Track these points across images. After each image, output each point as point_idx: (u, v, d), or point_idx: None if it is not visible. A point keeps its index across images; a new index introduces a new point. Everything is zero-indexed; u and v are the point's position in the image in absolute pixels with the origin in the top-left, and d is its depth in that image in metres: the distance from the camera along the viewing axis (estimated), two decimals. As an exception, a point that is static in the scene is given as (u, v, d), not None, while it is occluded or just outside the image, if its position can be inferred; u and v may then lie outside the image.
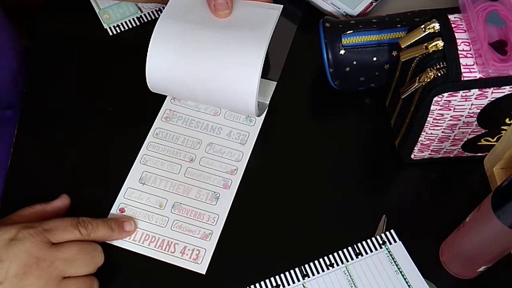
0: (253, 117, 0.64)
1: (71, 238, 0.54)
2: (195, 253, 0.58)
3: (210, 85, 0.58)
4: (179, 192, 0.61)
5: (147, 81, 0.61)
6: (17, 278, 0.50)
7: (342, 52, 0.62)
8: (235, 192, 0.61)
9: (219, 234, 0.59)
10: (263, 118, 0.65)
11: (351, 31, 0.61)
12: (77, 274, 0.53)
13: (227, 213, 0.60)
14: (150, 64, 0.59)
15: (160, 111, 0.66)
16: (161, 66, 0.59)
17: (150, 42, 0.59)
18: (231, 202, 0.61)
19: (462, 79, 0.51)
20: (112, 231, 0.57)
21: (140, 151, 0.64)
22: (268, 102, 0.66)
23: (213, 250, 0.58)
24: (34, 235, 0.52)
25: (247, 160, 0.63)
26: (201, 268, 0.57)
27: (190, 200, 0.61)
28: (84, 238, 0.55)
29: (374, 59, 0.62)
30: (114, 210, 0.60)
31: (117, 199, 0.61)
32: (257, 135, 0.64)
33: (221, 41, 0.58)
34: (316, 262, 0.57)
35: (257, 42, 0.57)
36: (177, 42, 0.58)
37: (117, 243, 0.59)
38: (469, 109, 0.53)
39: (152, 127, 0.65)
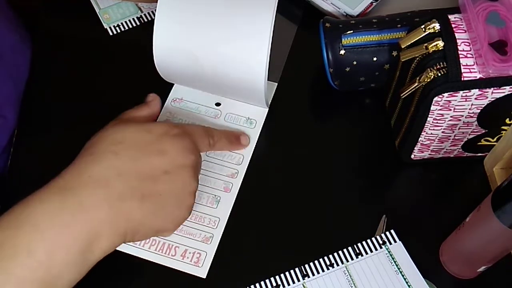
0: (261, 98, 0.63)
1: (202, 145, 0.58)
2: (195, 257, 0.58)
3: (218, 56, 0.59)
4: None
5: (154, 57, 0.61)
6: (185, 170, 0.53)
7: (342, 52, 0.62)
8: (235, 195, 0.61)
9: (220, 237, 0.59)
10: (263, 120, 0.65)
11: (351, 31, 0.61)
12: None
13: (228, 216, 0.60)
14: (157, 36, 0.60)
15: (161, 113, 0.66)
16: (167, 39, 0.60)
17: (156, 15, 0.59)
18: (232, 205, 0.61)
19: (462, 79, 0.51)
20: (231, 143, 0.62)
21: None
22: (276, 84, 0.67)
23: (214, 253, 0.58)
24: (189, 136, 0.55)
25: (247, 163, 0.63)
26: (202, 271, 0.57)
27: None
28: (209, 149, 0.60)
29: (374, 59, 0.62)
30: None
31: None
32: (257, 138, 0.64)
33: (227, 11, 0.58)
34: (316, 262, 0.57)
35: (264, 10, 0.58)
36: (183, 12, 0.59)
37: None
38: (469, 109, 0.53)
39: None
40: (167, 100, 0.67)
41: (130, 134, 0.53)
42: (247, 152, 0.63)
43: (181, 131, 0.55)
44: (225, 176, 0.62)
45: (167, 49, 0.61)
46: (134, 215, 0.50)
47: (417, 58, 0.53)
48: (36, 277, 0.46)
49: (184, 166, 0.53)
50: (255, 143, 0.64)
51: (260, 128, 0.65)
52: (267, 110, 0.66)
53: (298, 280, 0.56)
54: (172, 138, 0.54)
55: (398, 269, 0.56)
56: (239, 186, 0.62)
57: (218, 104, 0.66)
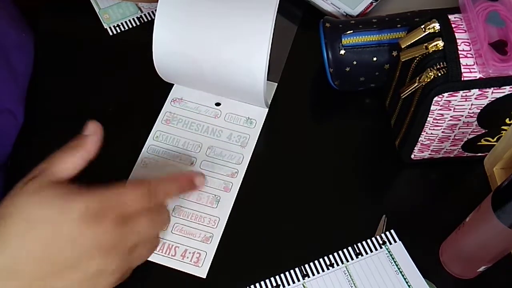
0: (261, 99, 0.63)
1: (139, 208, 0.49)
2: (195, 256, 0.58)
3: (218, 57, 0.59)
4: (179, 196, 0.61)
5: (153, 57, 0.61)
6: (96, 260, 0.47)
7: (342, 52, 0.62)
8: (235, 195, 0.61)
9: (220, 237, 0.59)
10: (263, 120, 0.65)
11: (351, 31, 0.61)
12: (146, 241, 0.51)
13: (228, 216, 0.60)
14: (156, 38, 0.60)
15: (160, 113, 0.66)
16: (167, 40, 0.60)
17: (156, 16, 0.59)
18: (232, 205, 0.61)
19: (462, 79, 0.51)
20: (182, 190, 0.55)
21: (140, 154, 0.63)
22: (276, 84, 0.67)
23: (213, 253, 0.58)
24: (109, 212, 0.47)
25: (247, 163, 0.63)
26: (202, 271, 0.57)
27: (191, 203, 0.61)
28: (151, 206, 0.50)
29: (374, 59, 0.62)
30: None
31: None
32: (257, 137, 0.64)
33: (227, 11, 0.58)
34: (316, 262, 0.57)
35: (265, 11, 0.57)
36: (183, 13, 0.59)
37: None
38: (469, 109, 0.53)
39: (152, 129, 0.65)
40: (167, 100, 0.67)
41: (45, 215, 0.46)
42: (247, 152, 0.63)
43: (102, 208, 0.47)
44: (225, 176, 0.62)
45: (167, 51, 0.61)
46: None
47: (417, 58, 0.53)
48: None
49: (94, 255, 0.47)
50: (255, 143, 0.64)
51: (260, 128, 0.65)
52: (267, 110, 0.66)
53: (298, 280, 0.56)
54: (88, 223, 0.46)
55: (398, 269, 0.56)
56: (239, 186, 0.62)
57: (218, 104, 0.66)
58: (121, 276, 0.50)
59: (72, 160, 0.51)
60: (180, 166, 0.62)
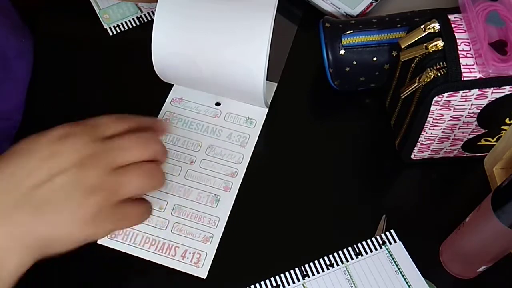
0: (260, 101, 0.63)
1: (116, 132, 0.51)
2: (196, 257, 0.58)
3: (217, 59, 0.59)
4: (179, 195, 0.61)
5: (153, 59, 0.61)
6: (72, 169, 0.48)
7: (342, 52, 0.62)
8: (235, 194, 0.61)
9: (220, 237, 0.59)
10: (263, 120, 0.65)
11: (351, 31, 0.61)
12: (131, 159, 0.50)
13: (228, 215, 0.60)
14: (155, 40, 0.60)
15: (160, 112, 0.66)
16: (166, 41, 0.60)
17: (155, 19, 0.59)
18: (232, 205, 0.61)
19: (462, 79, 0.51)
20: (151, 127, 0.55)
21: (140, 152, 0.63)
22: (276, 84, 0.67)
23: (214, 254, 0.58)
24: (85, 131, 0.50)
25: (247, 162, 0.63)
26: (202, 272, 0.57)
27: (191, 202, 0.61)
28: (130, 127, 0.53)
29: (374, 59, 0.62)
30: None
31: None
32: (257, 137, 0.64)
33: (227, 12, 0.58)
34: (316, 262, 0.57)
35: (264, 13, 0.57)
36: (182, 15, 0.59)
37: (117, 246, 0.58)
38: (469, 109, 0.53)
39: (153, 129, 0.65)
40: (167, 100, 0.67)
41: (26, 143, 0.50)
42: (247, 151, 0.63)
43: (82, 129, 0.50)
44: (225, 175, 0.62)
45: (166, 52, 0.61)
46: (33, 225, 0.47)
47: (417, 58, 0.53)
48: None
49: (71, 166, 0.48)
50: (255, 143, 0.64)
51: (260, 128, 0.65)
52: (267, 109, 0.66)
53: (298, 280, 0.56)
54: (66, 139, 0.49)
55: (398, 269, 0.56)
56: (239, 186, 0.62)
57: (218, 104, 0.66)
58: (107, 202, 0.49)
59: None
60: (180, 165, 0.63)
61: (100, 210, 0.48)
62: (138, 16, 0.73)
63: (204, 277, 0.57)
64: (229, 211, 0.60)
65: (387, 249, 0.57)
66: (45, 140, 0.50)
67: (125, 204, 0.50)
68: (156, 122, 0.58)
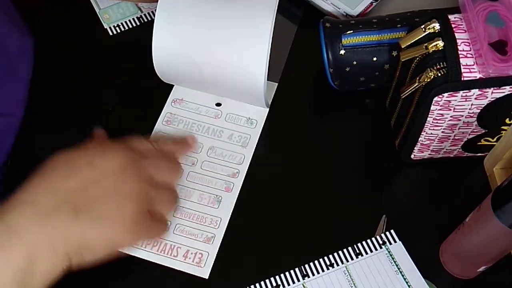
0: (261, 101, 0.63)
1: (147, 149, 0.56)
2: (197, 257, 0.58)
3: (218, 59, 0.59)
4: (181, 196, 0.61)
5: (153, 60, 0.61)
6: (114, 176, 0.51)
7: (342, 52, 0.62)
8: (237, 195, 0.61)
9: (222, 237, 0.59)
10: (264, 120, 0.65)
11: (351, 31, 0.61)
12: (162, 180, 0.55)
13: (229, 216, 0.60)
14: (156, 41, 0.60)
15: (161, 114, 0.66)
16: (167, 42, 0.60)
17: (155, 19, 0.59)
18: (234, 205, 0.61)
19: (462, 79, 0.51)
20: (178, 144, 0.61)
21: (142, 154, 0.63)
22: (276, 84, 0.67)
23: (215, 254, 0.58)
24: (121, 145, 0.54)
25: (248, 163, 0.63)
26: (204, 272, 0.57)
27: (192, 203, 0.61)
28: (153, 147, 0.57)
29: (374, 59, 0.62)
30: None
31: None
32: (258, 137, 0.64)
33: (227, 12, 0.58)
34: (316, 262, 0.57)
35: (264, 13, 0.57)
36: (182, 16, 0.59)
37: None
38: (469, 109, 0.53)
39: (153, 130, 0.65)
40: (167, 101, 0.67)
41: (63, 156, 0.52)
42: (248, 152, 0.63)
43: (114, 143, 0.55)
44: (226, 176, 0.62)
45: (166, 53, 0.61)
46: (70, 230, 0.48)
47: (417, 58, 0.53)
48: None
49: (112, 171, 0.51)
50: (256, 143, 0.64)
51: (261, 128, 0.65)
52: (267, 110, 0.66)
53: (298, 280, 0.56)
54: (103, 150, 0.53)
55: (398, 269, 0.56)
56: (240, 186, 0.62)
57: (218, 104, 0.66)
58: (142, 210, 0.52)
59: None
60: (181, 167, 0.63)
61: (136, 218, 0.51)
62: (138, 16, 0.73)
63: (206, 277, 0.57)
64: (231, 211, 0.60)
65: (387, 249, 0.57)
66: (83, 153, 0.52)
67: (152, 217, 0.53)
68: (182, 142, 0.62)
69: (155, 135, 0.61)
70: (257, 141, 0.64)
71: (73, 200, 0.48)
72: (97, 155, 0.52)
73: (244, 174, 0.62)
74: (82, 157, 0.52)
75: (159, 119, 0.65)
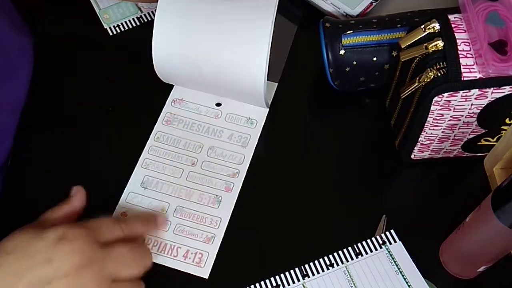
0: (261, 101, 0.63)
1: (114, 237, 0.53)
2: (198, 257, 0.58)
3: (217, 60, 0.59)
4: (181, 196, 0.61)
5: (153, 60, 0.61)
6: (68, 278, 0.48)
7: (342, 52, 0.62)
8: (237, 195, 0.61)
9: (222, 237, 0.59)
10: (264, 120, 0.65)
11: (351, 31, 0.61)
12: (126, 275, 0.52)
13: (229, 216, 0.60)
14: (156, 41, 0.60)
15: (161, 114, 0.66)
16: (167, 42, 0.60)
17: (155, 19, 0.59)
18: (234, 205, 0.61)
19: (462, 79, 0.51)
20: (146, 225, 0.58)
21: (142, 155, 0.63)
22: (276, 84, 0.67)
23: (216, 254, 0.58)
24: (84, 235, 0.50)
25: (248, 163, 0.63)
26: (204, 271, 0.57)
27: (192, 203, 0.61)
28: (125, 234, 0.54)
29: (374, 59, 0.62)
30: (116, 214, 0.60)
31: (118, 204, 0.61)
32: (258, 137, 0.64)
33: (227, 12, 0.58)
34: (316, 262, 0.57)
35: (264, 15, 0.57)
36: (182, 16, 0.59)
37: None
38: (469, 109, 0.53)
39: (153, 130, 0.65)
40: (167, 101, 0.67)
41: (21, 243, 0.49)
42: (248, 152, 0.63)
43: (78, 232, 0.51)
44: (226, 176, 0.62)
45: (166, 53, 0.61)
46: None
47: (417, 58, 0.53)
48: None
49: (67, 272, 0.48)
50: (256, 143, 0.64)
51: (261, 128, 0.65)
52: (267, 110, 0.66)
53: (298, 280, 0.56)
54: (63, 243, 0.49)
55: (398, 269, 0.56)
56: (240, 186, 0.62)
57: (218, 104, 0.66)
58: None
59: (64, 208, 0.55)
60: (182, 167, 0.63)
61: None
62: (138, 16, 0.73)
63: (206, 277, 0.57)
64: (231, 211, 0.60)
65: (387, 249, 0.57)
66: (41, 244, 0.49)
67: None
68: (153, 221, 0.58)
69: (123, 212, 0.59)
70: (257, 141, 0.64)
71: None
72: (56, 250, 0.49)
73: (244, 174, 0.62)
74: (42, 250, 0.49)
75: (159, 119, 0.65)
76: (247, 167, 0.63)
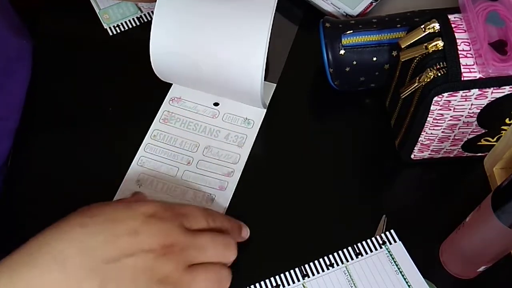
0: (258, 101, 0.63)
1: (200, 227, 0.53)
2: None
3: (215, 59, 0.59)
4: (175, 195, 0.61)
5: (151, 58, 0.61)
6: (150, 254, 0.48)
7: (342, 52, 0.62)
8: (231, 194, 0.61)
9: None
10: (261, 120, 0.65)
11: (351, 31, 0.61)
12: (206, 261, 0.52)
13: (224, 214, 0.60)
14: (154, 39, 0.60)
15: (159, 112, 0.66)
16: (165, 41, 0.60)
17: (153, 18, 0.59)
18: (228, 204, 0.61)
19: (462, 79, 0.51)
20: (233, 231, 0.56)
21: (138, 152, 0.63)
22: (275, 85, 0.67)
23: None
24: (173, 217, 0.51)
25: (244, 163, 0.63)
26: None
27: (186, 202, 0.60)
28: (210, 226, 0.54)
29: (374, 59, 0.62)
30: None
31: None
32: (255, 138, 0.64)
33: (225, 12, 0.58)
34: (316, 262, 0.57)
35: (262, 14, 0.57)
36: (180, 15, 0.59)
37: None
38: (469, 109, 0.53)
39: (150, 128, 0.65)
40: (165, 99, 0.67)
41: (110, 208, 0.50)
42: (244, 152, 0.63)
43: (168, 214, 0.51)
44: (221, 175, 0.62)
45: (164, 51, 0.61)
46: None
47: (417, 58, 0.53)
48: None
49: (152, 248, 0.49)
50: (252, 143, 0.64)
51: (258, 129, 0.65)
52: (265, 110, 0.66)
53: (298, 280, 0.56)
54: (153, 221, 0.50)
55: (398, 269, 0.56)
56: (235, 185, 0.61)
57: (216, 104, 0.66)
58: None
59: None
60: (177, 166, 0.62)
61: None
62: (138, 16, 0.73)
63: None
64: (225, 210, 0.60)
65: (387, 249, 0.57)
66: (131, 214, 0.50)
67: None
68: (238, 227, 0.57)
69: (210, 210, 0.57)
70: (253, 141, 0.64)
71: (102, 273, 0.47)
72: (144, 225, 0.49)
73: (240, 174, 0.62)
74: (129, 220, 0.49)
75: (156, 117, 0.65)
76: (243, 167, 0.62)
